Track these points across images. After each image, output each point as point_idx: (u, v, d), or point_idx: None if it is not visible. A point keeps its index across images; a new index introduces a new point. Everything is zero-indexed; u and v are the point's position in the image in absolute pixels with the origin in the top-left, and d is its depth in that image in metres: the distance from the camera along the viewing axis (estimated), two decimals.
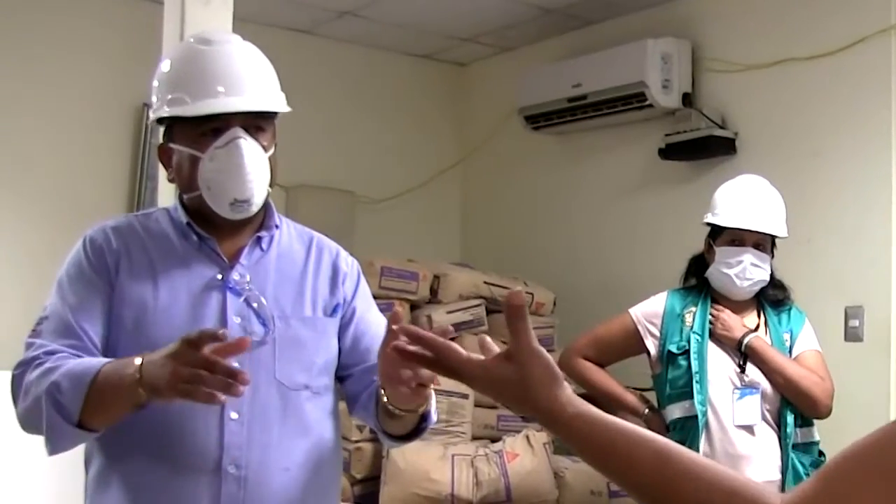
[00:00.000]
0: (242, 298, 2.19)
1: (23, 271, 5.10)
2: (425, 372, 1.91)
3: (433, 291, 5.09)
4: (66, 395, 1.97)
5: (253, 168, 2.16)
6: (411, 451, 4.43)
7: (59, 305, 2.15)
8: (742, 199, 3.58)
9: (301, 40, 6.08)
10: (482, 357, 1.40)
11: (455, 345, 1.42)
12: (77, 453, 2.22)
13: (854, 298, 4.58)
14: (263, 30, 5.39)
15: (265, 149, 2.20)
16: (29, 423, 2.07)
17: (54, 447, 2.05)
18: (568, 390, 1.37)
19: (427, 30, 6.13)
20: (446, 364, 1.40)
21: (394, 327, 1.82)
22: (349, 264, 2.38)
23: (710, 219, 3.61)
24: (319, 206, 5.82)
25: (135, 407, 1.96)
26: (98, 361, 2.04)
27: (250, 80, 2.20)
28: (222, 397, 1.84)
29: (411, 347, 1.48)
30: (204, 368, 1.82)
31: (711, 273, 3.61)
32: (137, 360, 1.93)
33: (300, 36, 6.09)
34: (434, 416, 2.22)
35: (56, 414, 1.98)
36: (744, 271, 3.54)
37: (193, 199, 2.22)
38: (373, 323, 2.34)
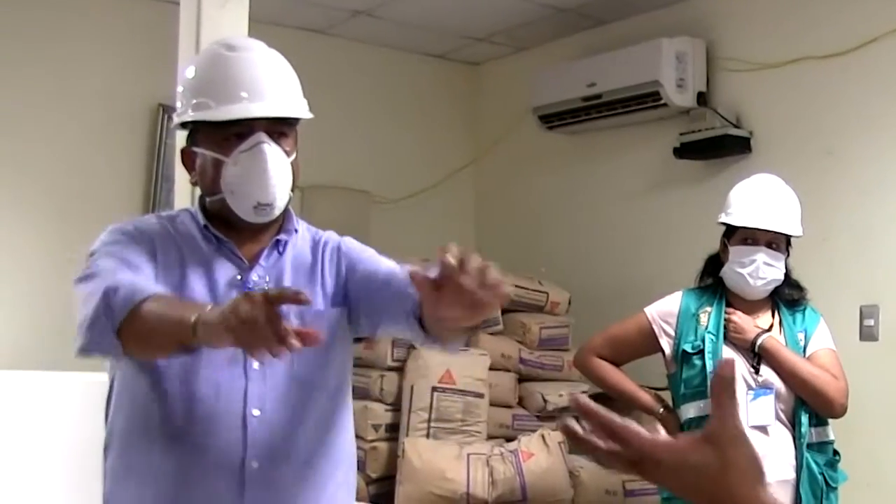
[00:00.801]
0: None
1: (38, 271, 5.12)
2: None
3: None
4: (119, 297, 1.99)
5: (276, 172, 2.18)
6: (427, 450, 4.44)
7: (105, 259, 2.14)
8: (755, 199, 3.57)
9: (315, 40, 6.09)
10: (669, 437, 1.18)
11: (634, 424, 1.18)
12: (96, 440, 2.24)
13: (869, 297, 4.57)
14: (278, 30, 5.41)
15: (287, 154, 2.23)
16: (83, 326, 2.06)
17: (84, 344, 2.04)
18: (769, 490, 1.17)
19: (441, 29, 6.13)
20: (627, 452, 1.16)
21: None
22: (334, 241, 2.38)
23: (723, 218, 3.60)
24: (334, 205, 5.83)
25: (179, 347, 1.95)
26: (160, 288, 2.07)
27: (274, 86, 2.23)
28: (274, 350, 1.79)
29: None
30: (265, 319, 1.77)
31: (725, 272, 3.61)
32: (206, 304, 1.98)
33: (314, 36, 6.11)
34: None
35: (103, 312, 1.99)
36: (757, 270, 3.53)
37: (216, 202, 2.25)
38: (366, 257, 2.36)
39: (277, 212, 2.24)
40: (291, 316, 2.20)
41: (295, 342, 1.77)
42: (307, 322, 2.19)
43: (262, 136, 2.18)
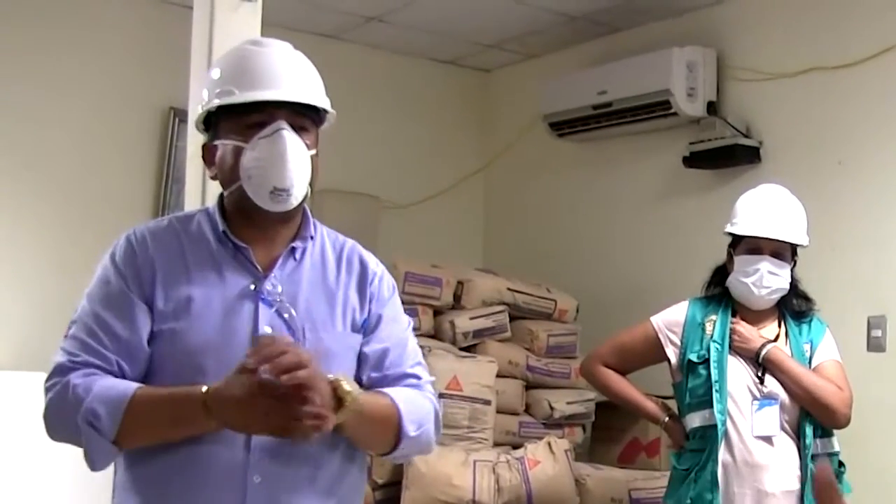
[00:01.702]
0: (274, 309, 2.21)
1: (48, 273, 5.13)
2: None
3: (456, 297, 5.09)
4: (103, 420, 2.05)
5: (294, 157, 2.19)
6: (433, 457, 4.43)
7: (87, 309, 2.20)
8: (760, 208, 3.58)
9: (327, 45, 6.10)
10: None
11: None
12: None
13: (877, 308, 4.57)
14: (291, 34, 5.32)
15: (308, 147, 2.24)
16: (58, 436, 2.15)
17: (89, 463, 2.13)
18: None
19: (452, 36, 6.15)
20: None
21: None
22: (378, 282, 2.38)
23: (729, 228, 3.61)
24: (344, 210, 5.83)
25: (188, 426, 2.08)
26: (131, 386, 2.11)
27: (296, 77, 2.27)
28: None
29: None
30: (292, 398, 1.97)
31: (731, 282, 3.61)
32: (203, 389, 2.04)
33: (327, 41, 6.12)
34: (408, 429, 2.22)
35: (96, 436, 2.07)
36: (761, 279, 3.53)
37: (234, 193, 2.25)
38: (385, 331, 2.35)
39: (295, 201, 2.24)
40: (307, 334, 2.20)
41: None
42: (323, 344, 2.20)
43: (283, 123, 2.20)
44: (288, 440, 2.08)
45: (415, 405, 2.25)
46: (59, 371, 2.12)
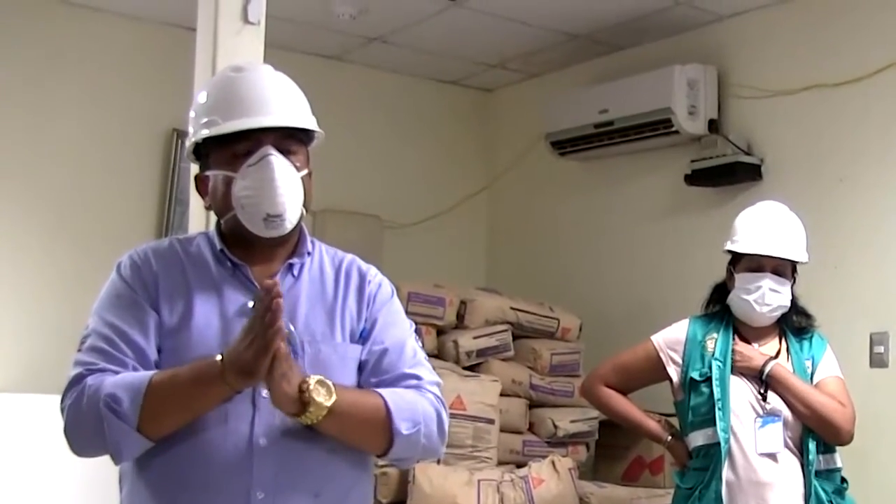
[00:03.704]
0: None
1: (53, 294, 5.14)
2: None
3: (460, 317, 5.10)
4: (125, 404, 2.05)
5: (284, 183, 2.19)
6: (437, 476, 4.44)
7: (101, 321, 2.20)
8: (760, 226, 3.58)
9: (330, 66, 6.13)
10: None
11: None
12: (110, 472, 2.26)
13: (880, 324, 4.57)
14: (293, 56, 5.45)
15: (298, 169, 2.24)
16: (82, 440, 2.13)
17: (114, 455, 2.12)
18: None
19: (454, 56, 6.17)
20: None
21: None
22: (376, 287, 2.38)
23: (729, 246, 3.61)
24: (346, 230, 5.84)
25: (208, 399, 2.09)
26: (147, 373, 2.11)
27: (279, 101, 2.26)
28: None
29: None
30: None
31: (732, 299, 3.61)
32: (218, 358, 2.06)
33: (329, 62, 6.15)
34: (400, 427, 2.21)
35: (118, 422, 2.05)
36: (762, 297, 3.53)
37: (229, 221, 2.26)
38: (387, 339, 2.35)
39: (289, 225, 2.24)
40: (305, 347, 2.21)
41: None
42: (322, 355, 2.21)
43: (270, 148, 2.19)
44: (291, 469, 2.12)
45: (408, 403, 2.22)
46: (76, 381, 2.12)
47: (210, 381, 2.05)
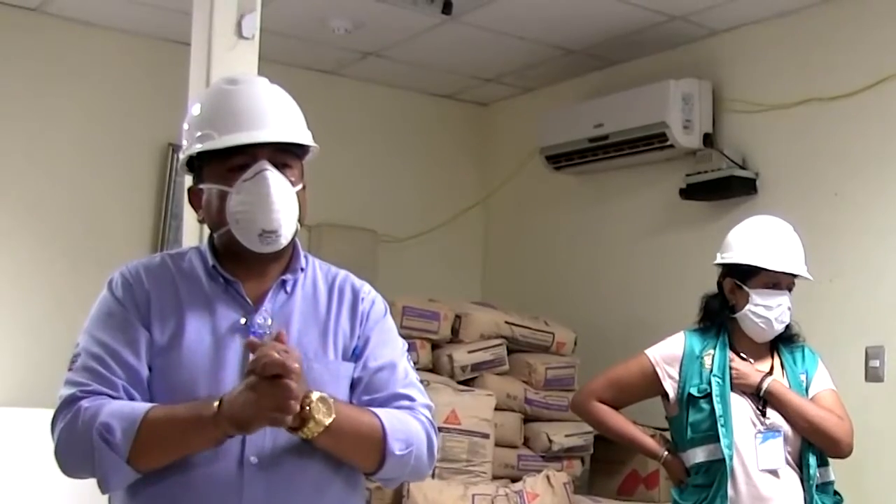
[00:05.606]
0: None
1: (48, 308, 5.14)
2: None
3: (454, 331, 5.10)
4: (117, 435, 2.04)
5: (279, 198, 2.18)
6: (432, 491, 4.43)
7: (92, 339, 2.19)
8: (775, 242, 3.52)
9: (325, 81, 6.13)
10: None
11: None
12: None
13: (875, 338, 4.57)
14: (288, 70, 5.46)
15: (293, 184, 2.23)
16: (72, 463, 2.11)
17: (101, 486, 2.11)
18: None
19: (449, 70, 6.18)
20: None
21: None
22: (369, 305, 2.37)
23: (745, 260, 3.54)
24: (342, 244, 5.85)
25: (214, 444, 2.08)
26: (144, 404, 2.10)
27: (275, 115, 2.24)
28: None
29: None
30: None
31: (745, 316, 3.55)
32: (215, 404, 2.04)
33: (324, 76, 6.15)
34: (393, 448, 2.20)
35: (110, 452, 2.04)
36: (782, 314, 3.51)
37: (223, 235, 2.25)
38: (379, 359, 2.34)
39: (284, 241, 2.23)
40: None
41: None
42: (314, 373, 2.19)
43: (265, 163, 2.19)
44: (282, 488, 2.10)
45: (402, 424, 2.22)
46: (69, 402, 2.11)
47: (204, 425, 2.04)
